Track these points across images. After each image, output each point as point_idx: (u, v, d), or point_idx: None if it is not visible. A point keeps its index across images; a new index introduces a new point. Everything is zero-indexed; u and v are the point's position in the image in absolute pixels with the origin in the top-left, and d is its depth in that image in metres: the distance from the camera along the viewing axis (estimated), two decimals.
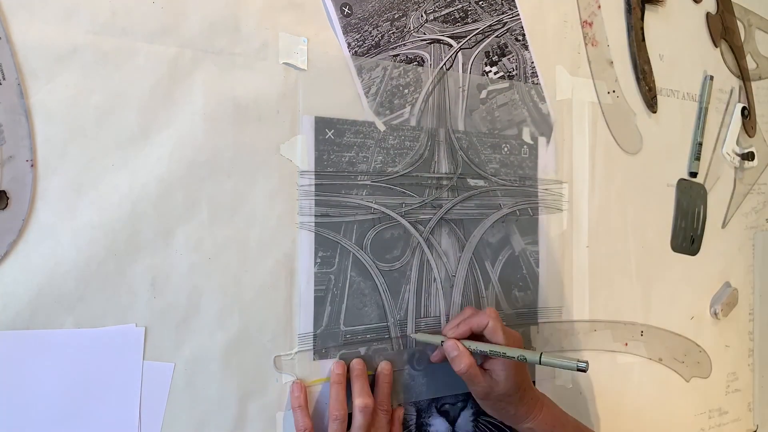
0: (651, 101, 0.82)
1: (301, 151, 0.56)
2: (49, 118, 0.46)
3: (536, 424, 0.60)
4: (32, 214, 0.45)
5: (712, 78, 0.89)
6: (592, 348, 0.77)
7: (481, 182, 0.68)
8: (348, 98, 0.59)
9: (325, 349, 0.58)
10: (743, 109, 0.94)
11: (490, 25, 0.68)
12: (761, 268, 0.98)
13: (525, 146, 0.71)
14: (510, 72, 0.70)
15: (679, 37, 0.86)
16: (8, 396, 0.45)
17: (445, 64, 0.65)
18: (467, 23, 0.67)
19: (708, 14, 0.90)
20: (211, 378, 0.52)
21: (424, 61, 0.64)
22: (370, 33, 0.60)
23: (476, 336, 0.59)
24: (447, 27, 0.65)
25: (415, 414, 0.64)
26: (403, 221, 0.62)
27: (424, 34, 0.64)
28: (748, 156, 0.94)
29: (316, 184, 0.57)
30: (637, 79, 0.81)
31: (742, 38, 0.95)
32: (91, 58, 0.47)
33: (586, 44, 0.77)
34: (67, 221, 0.46)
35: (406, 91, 0.63)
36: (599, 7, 0.78)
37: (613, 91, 0.79)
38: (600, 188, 0.77)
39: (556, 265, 0.74)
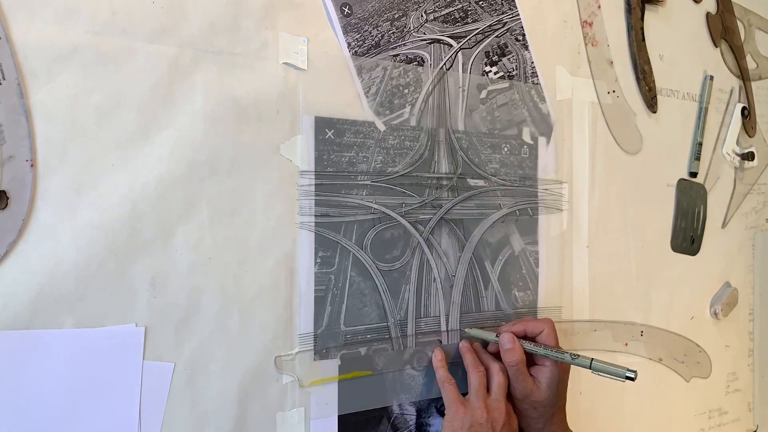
0: (651, 101, 0.82)
1: (301, 151, 0.56)
2: (49, 118, 0.46)
3: None
4: (32, 214, 0.45)
5: (712, 78, 0.89)
6: (592, 348, 0.77)
7: (481, 182, 0.68)
8: (348, 98, 0.59)
9: (326, 350, 0.58)
10: (743, 109, 0.94)
11: (490, 25, 0.68)
12: (761, 268, 0.98)
13: (525, 146, 0.71)
14: (510, 72, 0.70)
15: (679, 37, 0.86)
16: (8, 396, 0.45)
17: (445, 64, 0.65)
18: (467, 23, 0.67)
19: (708, 14, 0.90)
20: (211, 378, 0.52)
21: (424, 61, 0.64)
22: (370, 33, 0.60)
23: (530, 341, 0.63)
24: (447, 27, 0.65)
25: (415, 414, 0.64)
26: (403, 221, 0.62)
27: (424, 34, 0.64)
28: (748, 156, 0.94)
29: (316, 184, 0.57)
30: (637, 79, 0.81)
31: (742, 38, 0.95)
32: (91, 58, 0.47)
33: (586, 44, 0.77)
34: (67, 221, 0.46)
35: (406, 91, 0.63)
36: (599, 7, 0.78)
37: (613, 91, 0.79)
38: (600, 188, 0.77)
39: (556, 265, 0.74)
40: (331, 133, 0.58)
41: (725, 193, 0.93)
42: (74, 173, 0.47)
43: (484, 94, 0.68)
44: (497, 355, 0.63)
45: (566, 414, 0.65)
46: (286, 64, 0.56)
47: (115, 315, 0.48)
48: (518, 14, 0.70)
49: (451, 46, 0.66)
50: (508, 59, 0.70)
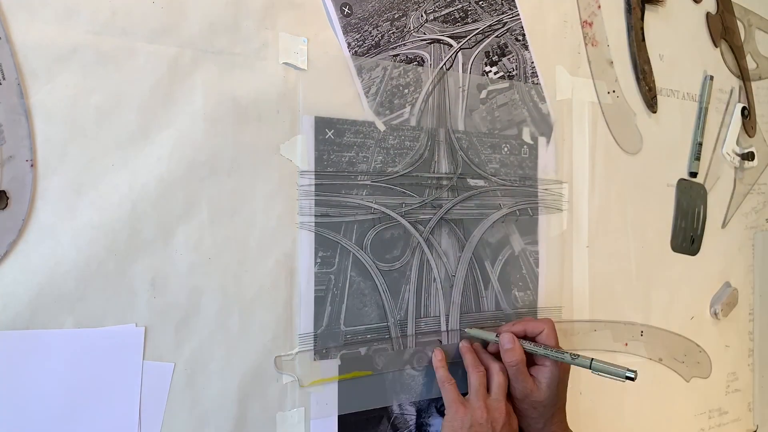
0: (651, 101, 0.82)
1: (301, 151, 0.56)
2: (49, 118, 0.46)
3: None
4: (32, 214, 0.45)
5: (712, 78, 0.89)
6: (592, 348, 0.77)
7: (481, 182, 0.68)
8: (348, 98, 0.59)
9: (326, 350, 0.58)
10: (743, 109, 0.94)
11: (490, 25, 0.68)
12: (761, 268, 0.98)
13: (525, 146, 0.71)
14: (510, 72, 0.70)
15: (679, 37, 0.86)
16: (8, 396, 0.45)
17: (445, 64, 0.65)
18: (467, 23, 0.67)
19: (708, 14, 0.90)
20: (211, 378, 0.52)
21: (424, 61, 0.64)
22: (370, 33, 0.60)
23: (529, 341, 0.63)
24: (447, 27, 0.65)
25: (415, 414, 0.64)
26: (403, 221, 0.62)
27: (424, 34, 0.64)
28: (748, 156, 0.94)
29: (316, 184, 0.57)
30: (637, 79, 0.81)
31: (742, 38, 0.95)
32: (91, 58, 0.47)
33: (586, 44, 0.77)
34: (67, 221, 0.46)
35: (406, 91, 0.63)
36: (599, 7, 0.78)
37: (613, 91, 0.79)
38: (600, 188, 0.77)
39: (556, 265, 0.74)
40: (331, 133, 0.58)
41: (725, 193, 0.93)
42: (74, 173, 0.47)
43: (484, 94, 0.68)
44: (497, 355, 0.63)
45: (566, 414, 0.65)
46: (286, 64, 0.56)
47: (115, 315, 0.48)
48: (518, 14, 0.70)
49: (451, 46, 0.66)
50: (508, 59, 0.70)
